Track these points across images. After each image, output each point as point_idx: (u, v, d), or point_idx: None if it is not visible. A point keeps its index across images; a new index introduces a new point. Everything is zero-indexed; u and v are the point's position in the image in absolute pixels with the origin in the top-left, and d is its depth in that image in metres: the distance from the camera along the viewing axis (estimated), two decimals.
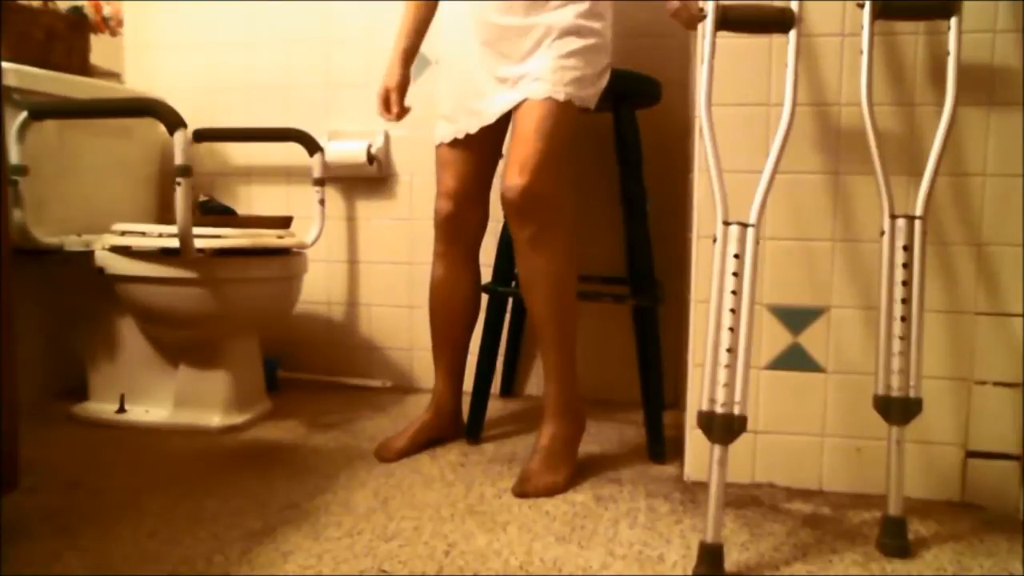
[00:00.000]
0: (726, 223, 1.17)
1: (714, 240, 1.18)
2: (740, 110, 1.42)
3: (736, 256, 1.15)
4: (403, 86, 1.69)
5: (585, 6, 1.46)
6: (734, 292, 1.14)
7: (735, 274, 1.14)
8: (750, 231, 1.16)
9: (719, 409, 1.12)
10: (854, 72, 1.36)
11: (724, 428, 1.12)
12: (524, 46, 1.47)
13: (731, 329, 1.12)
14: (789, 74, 1.24)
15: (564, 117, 1.44)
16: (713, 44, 1.24)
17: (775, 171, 1.22)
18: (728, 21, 1.26)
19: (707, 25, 1.25)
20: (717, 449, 1.13)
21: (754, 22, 1.28)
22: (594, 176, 1.99)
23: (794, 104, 1.23)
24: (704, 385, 1.14)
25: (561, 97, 1.43)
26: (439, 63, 1.67)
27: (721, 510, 1.12)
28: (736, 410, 1.12)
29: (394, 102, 1.68)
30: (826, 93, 1.39)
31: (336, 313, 2.24)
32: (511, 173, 1.43)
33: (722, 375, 1.12)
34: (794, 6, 1.25)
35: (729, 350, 1.12)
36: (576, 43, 1.45)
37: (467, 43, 1.53)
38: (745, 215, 1.42)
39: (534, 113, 1.43)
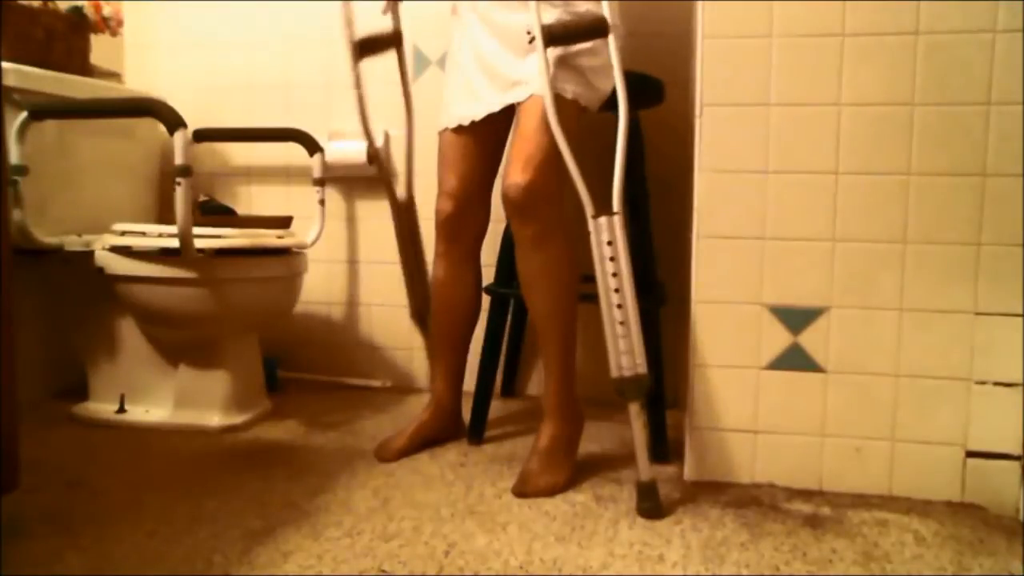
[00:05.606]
0: (595, 216, 1.34)
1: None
2: (741, 110, 1.42)
3: (609, 243, 1.33)
4: None
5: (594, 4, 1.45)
6: (614, 275, 1.33)
7: (612, 259, 1.33)
8: (616, 219, 1.33)
9: (626, 373, 1.33)
10: (854, 72, 1.36)
11: (636, 388, 1.33)
12: (529, 41, 1.46)
13: (619, 306, 1.32)
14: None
15: (568, 116, 1.43)
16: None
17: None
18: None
19: None
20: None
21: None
22: (596, 176, 1.99)
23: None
24: (611, 357, 1.33)
25: (568, 95, 1.43)
26: (445, 59, 1.65)
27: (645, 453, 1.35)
28: (639, 370, 1.33)
29: None
30: (826, 93, 1.39)
31: (336, 313, 2.24)
32: (513, 170, 1.42)
33: (622, 344, 1.33)
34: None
35: (622, 323, 1.32)
36: (586, 42, 1.44)
37: (475, 37, 1.53)
38: (745, 215, 1.43)
39: (539, 110, 1.43)
